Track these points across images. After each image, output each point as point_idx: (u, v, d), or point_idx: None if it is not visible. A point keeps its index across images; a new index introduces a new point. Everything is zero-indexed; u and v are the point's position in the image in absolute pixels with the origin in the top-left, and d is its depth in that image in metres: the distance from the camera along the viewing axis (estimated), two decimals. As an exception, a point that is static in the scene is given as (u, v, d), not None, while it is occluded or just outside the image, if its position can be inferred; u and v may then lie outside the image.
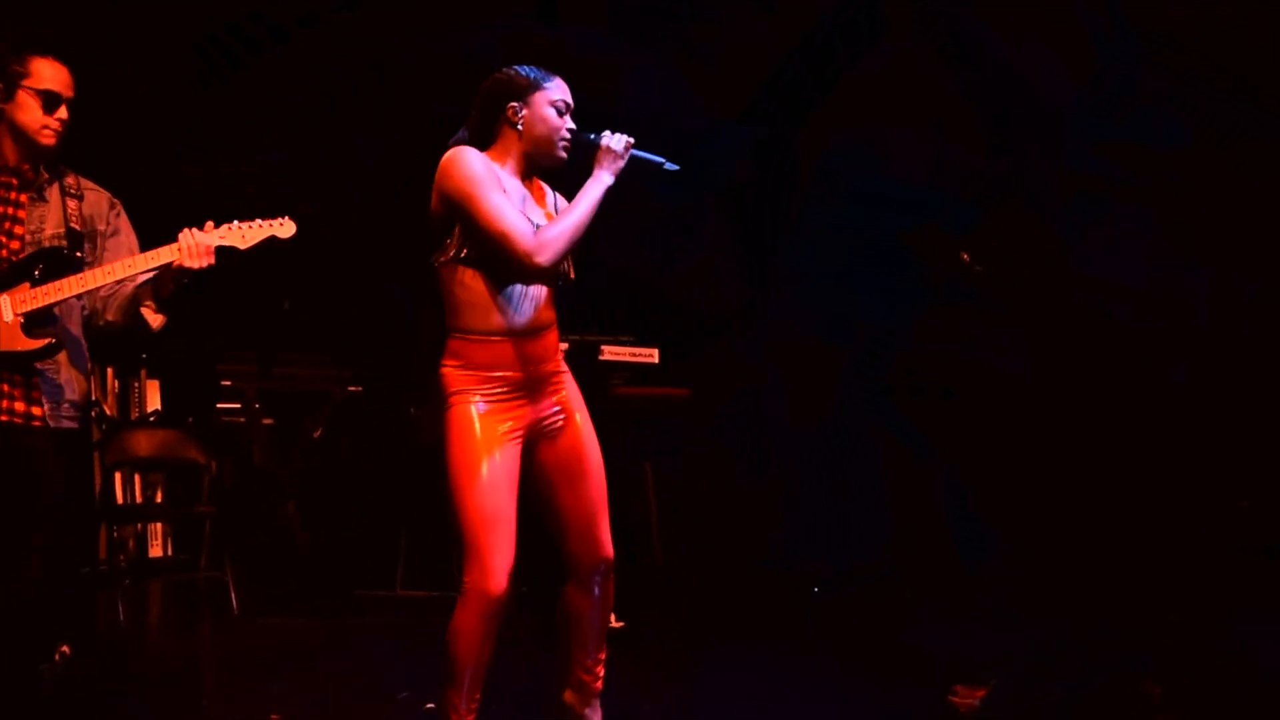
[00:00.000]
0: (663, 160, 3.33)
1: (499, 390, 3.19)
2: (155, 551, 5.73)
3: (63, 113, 3.50)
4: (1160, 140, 6.76)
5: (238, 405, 6.01)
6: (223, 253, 3.50)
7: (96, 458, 5.76)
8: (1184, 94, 6.76)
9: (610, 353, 5.40)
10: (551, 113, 3.23)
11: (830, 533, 6.77)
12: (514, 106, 3.22)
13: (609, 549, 3.33)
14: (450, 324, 3.23)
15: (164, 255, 3.48)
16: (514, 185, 3.24)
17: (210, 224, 3.49)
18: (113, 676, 4.27)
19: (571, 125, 3.27)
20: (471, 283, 3.18)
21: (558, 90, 3.26)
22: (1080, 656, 4.52)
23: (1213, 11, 6.66)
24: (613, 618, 4.79)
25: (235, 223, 3.53)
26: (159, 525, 5.82)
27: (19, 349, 3.45)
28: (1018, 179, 6.94)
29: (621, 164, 3.24)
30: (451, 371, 3.21)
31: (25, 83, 3.46)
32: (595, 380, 5.33)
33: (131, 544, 5.71)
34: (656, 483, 6.06)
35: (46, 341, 3.48)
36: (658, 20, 6.92)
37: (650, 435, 6.25)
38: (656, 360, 5.54)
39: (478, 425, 3.15)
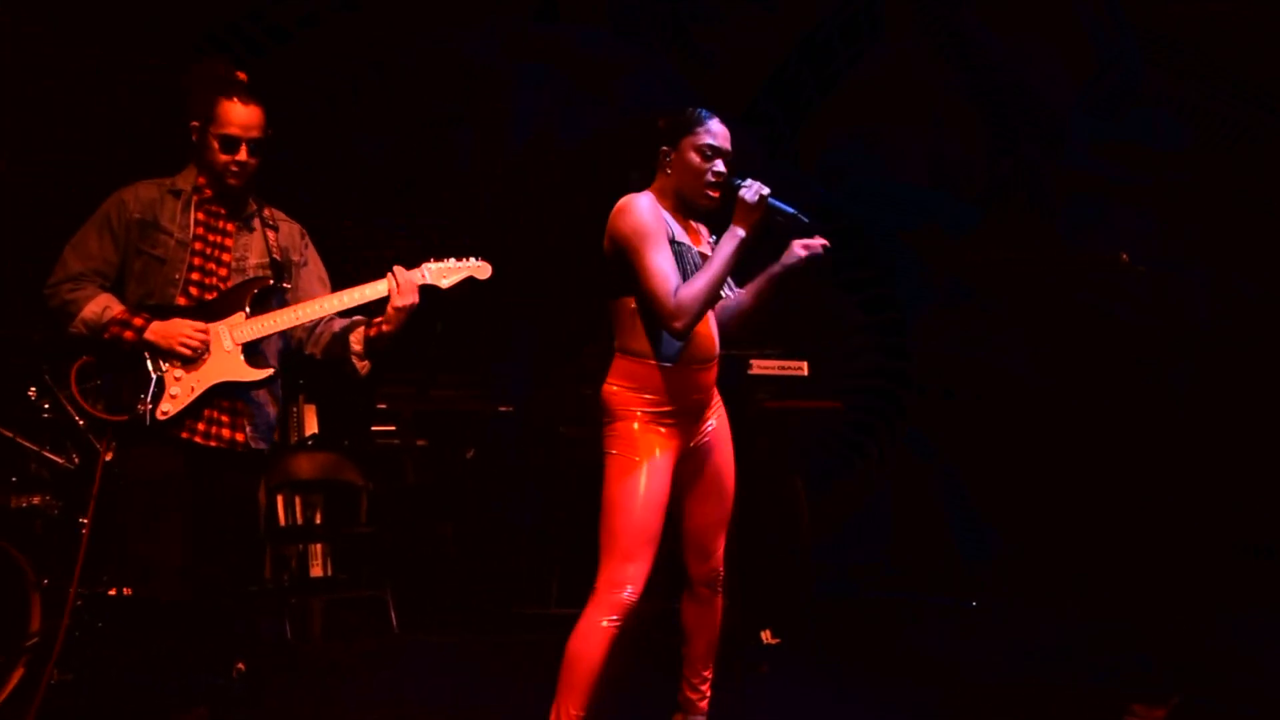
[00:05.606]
0: (796, 212, 3.29)
1: (663, 414, 3.22)
2: (316, 571, 5.73)
3: (242, 154, 3.54)
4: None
5: (392, 427, 6.02)
6: (425, 292, 3.59)
7: (262, 481, 5.77)
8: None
9: (759, 366, 5.25)
10: (695, 158, 3.23)
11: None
12: (664, 150, 3.26)
13: (719, 562, 3.41)
14: (625, 346, 3.25)
15: (377, 290, 3.56)
16: (674, 224, 3.26)
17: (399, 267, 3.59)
18: (281, 691, 4.31)
19: (720, 169, 3.25)
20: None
21: (707, 135, 3.24)
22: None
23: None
24: (768, 633, 4.89)
25: (432, 261, 3.62)
26: (319, 545, 5.84)
27: (244, 379, 3.51)
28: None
29: (757, 217, 3.21)
30: (620, 392, 3.23)
31: (211, 128, 3.53)
32: (743, 394, 5.22)
33: (294, 564, 5.73)
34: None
35: (269, 371, 3.54)
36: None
37: (801, 448, 6.20)
38: (805, 373, 5.50)
39: (640, 444, 3.19)
